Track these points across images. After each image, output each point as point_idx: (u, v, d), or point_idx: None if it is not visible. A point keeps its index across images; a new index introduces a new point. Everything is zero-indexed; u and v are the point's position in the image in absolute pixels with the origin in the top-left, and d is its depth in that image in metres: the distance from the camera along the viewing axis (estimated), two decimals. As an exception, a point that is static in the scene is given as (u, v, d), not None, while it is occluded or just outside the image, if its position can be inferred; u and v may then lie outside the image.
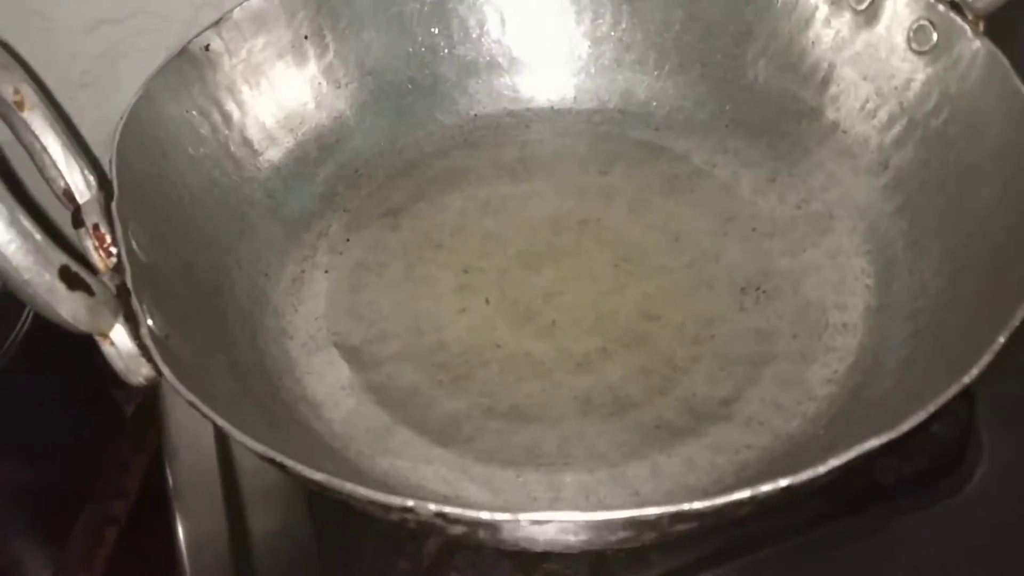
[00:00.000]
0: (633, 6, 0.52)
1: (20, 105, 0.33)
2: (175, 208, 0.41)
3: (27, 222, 0.27)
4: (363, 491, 0.28)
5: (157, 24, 0.55)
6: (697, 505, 0.26)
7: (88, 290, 0.29)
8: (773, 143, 0.49)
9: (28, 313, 0.49)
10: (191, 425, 0.48)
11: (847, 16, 0.46)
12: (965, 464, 0.42)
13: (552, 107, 0.54)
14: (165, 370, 0.30)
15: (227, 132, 0.46)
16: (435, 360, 0.43)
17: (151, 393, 0.69)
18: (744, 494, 0.26)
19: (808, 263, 0.45)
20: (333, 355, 0.43)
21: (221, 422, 0.29)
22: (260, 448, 0.28)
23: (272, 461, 0.28)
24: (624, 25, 0.53)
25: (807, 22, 0.48)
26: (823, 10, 0.47)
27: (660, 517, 0.26)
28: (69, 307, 0.29)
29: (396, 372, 0.43)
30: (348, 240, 0.48)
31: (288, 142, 0.49)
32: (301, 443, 0.38)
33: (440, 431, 0.40)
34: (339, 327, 0.44)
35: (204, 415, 0.30)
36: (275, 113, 0.48)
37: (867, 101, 0.46)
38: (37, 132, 0.34)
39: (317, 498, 0.41)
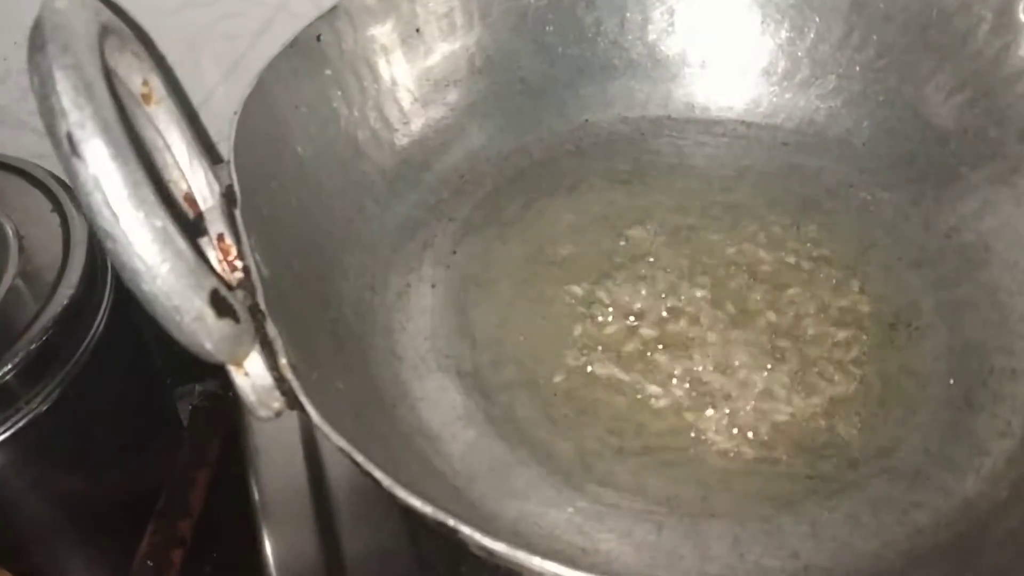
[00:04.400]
0: (764, 10, 0.48)
1: (147, 98, 0.29)
2: (285, 214, 0.38)
3: (181, 240, 0.23)
4: (551, 566, 0.24)
5: (245, 8, 0.52)
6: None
7: (235, 316, 0.25)
8: (917, 164, 0.45)
9: (102, 316, 0.45)
10: (277, 440, 0.44)
11: (1015, 31, 0.42)
12: None
13: (669, 116, 0.50)
14: (313, 413, 0.26)
15: (335, 131, 0.42)
16: (555, 390, 0.39)
17: (208, 397, 0.65)
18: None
19: (963, 299, 0.41)
20: (446, 381, 0.40)
21: (381, 476, 0.25)
22: (429, 511, 0.24)
23: (444, 525, 0.24)
24: (751, 30, 0.49)
25: (965, 37, 0.44)
26: (987, 24, 0.43)
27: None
28: (215, 337, 0.25)
29: (514, 402, 0.39)
30: (455, 252, 0.44)
31: (394, 143, 0.45)
32: (427, 484, 0.34)
33: (568, 472, 0.37)
34: (450, 349, 0.41)
35: (358, 465, 0.26)
36: (382, 112, 0.44)
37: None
38: (162, 128, 0.30)
39: (417, 524, 0.38)
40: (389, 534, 0.40)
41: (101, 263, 0.46)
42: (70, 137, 0.22)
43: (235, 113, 0.36)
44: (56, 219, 0.46)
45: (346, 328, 0.39)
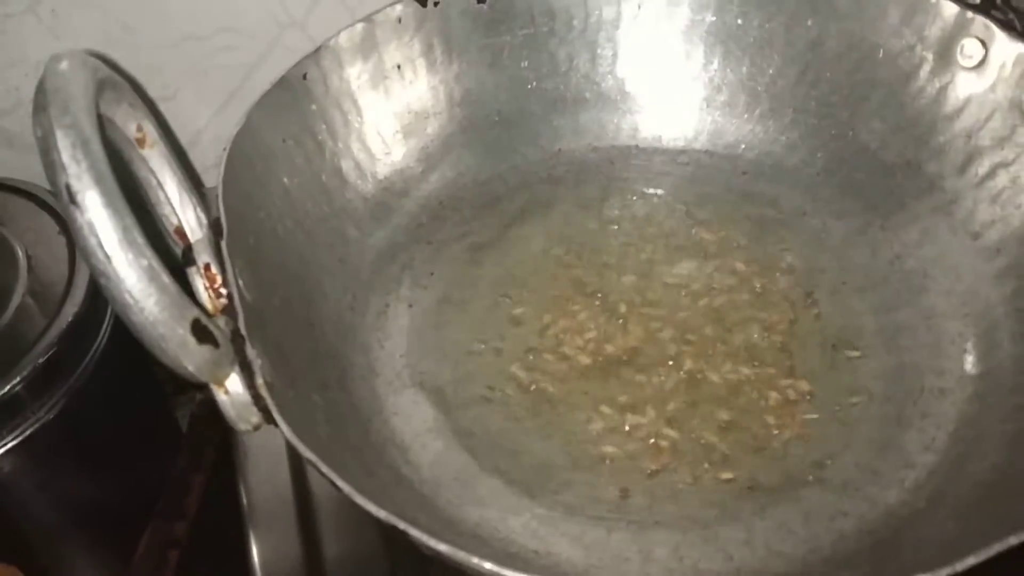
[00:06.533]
0: (727, 47, 0.51)
1: (141, 142, 0.32)
2: (271, 242, 0.41)
3: (165, 276, 0.26)
4: (489, 567, 0.27)
5: (240, 42, 0.55)
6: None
7: (214, 342, 0.28)
8: (866, 194, 0.48)
9: (105, 331, 0.49)
10: (265, 448, 0.48)
11: (954, 72, 0.45)
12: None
13: (637, 145, 0.53)
14: (285, 428, 0.30)
15: (320, 162, 0.45)
16: (521, 405, 0.43)
17: (206, 405, 0.69)
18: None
19: (902, 323, 0.44)
20: (419, 395, 0.43)
21: (342, 484, 0.28)
22: (383, 514, 0.28)
23: (395, 528, 0.28)
24: (715, 66, 0.52)
25: (909, 76, 0.47)
26: (929, 65, 0.46)
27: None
28: (196, 360, 0.28)
29: (481, 415, 0.42)
30: (432, 274, 0.48)
31: (376, 172, 0.48)
32: (395, 491, 0.37)
33: (528, 481, 0.40)
34: (424, 366, 0.44)
35: (322, 474, 0.29)
36: (365, 143, 0.48)
37: (969, 159, 0.45)
38: (155, 169, 0.33)
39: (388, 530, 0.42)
40: (366, 540, 0.43)
41: (104, 281, 0.50)
42: (68, 188, 0.25)
43: (224, 149, 0.39)
44: (63, 240, 0.50)
45: (327, 346, 0.42)
